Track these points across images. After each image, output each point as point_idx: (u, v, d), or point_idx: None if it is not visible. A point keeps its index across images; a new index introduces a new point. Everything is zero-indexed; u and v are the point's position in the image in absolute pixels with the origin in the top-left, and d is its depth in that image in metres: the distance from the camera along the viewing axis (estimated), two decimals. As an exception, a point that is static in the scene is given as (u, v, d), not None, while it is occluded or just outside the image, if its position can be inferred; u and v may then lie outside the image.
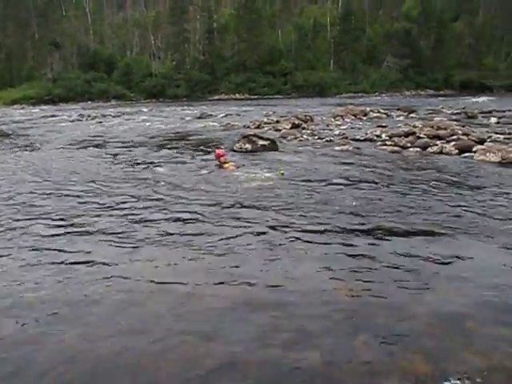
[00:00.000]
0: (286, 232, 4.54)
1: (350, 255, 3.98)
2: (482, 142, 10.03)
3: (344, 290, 3.36)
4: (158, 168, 8.24)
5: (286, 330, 2.87)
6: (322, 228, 4.63)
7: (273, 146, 9.82)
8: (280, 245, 4.22)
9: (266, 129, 13.66)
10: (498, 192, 6.07)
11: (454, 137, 10.51)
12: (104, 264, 3.89)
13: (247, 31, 46.54)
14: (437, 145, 9.79)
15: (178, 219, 5.03)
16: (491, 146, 9.14)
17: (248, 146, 9.81)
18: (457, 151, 9.36)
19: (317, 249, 4.12)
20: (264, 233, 4.53)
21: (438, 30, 47.68)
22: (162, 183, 6.88)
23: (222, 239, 4.37)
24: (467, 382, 2.37)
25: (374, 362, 2.56)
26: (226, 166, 7.87)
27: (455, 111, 18.17)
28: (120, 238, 4.51)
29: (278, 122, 14.95)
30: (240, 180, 6.97)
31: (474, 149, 9.28)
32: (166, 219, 5.06)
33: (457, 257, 3.93)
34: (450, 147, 9.57)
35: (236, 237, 4.43)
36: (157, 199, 5.93)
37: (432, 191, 6.14)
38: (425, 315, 3.01)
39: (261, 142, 9.83)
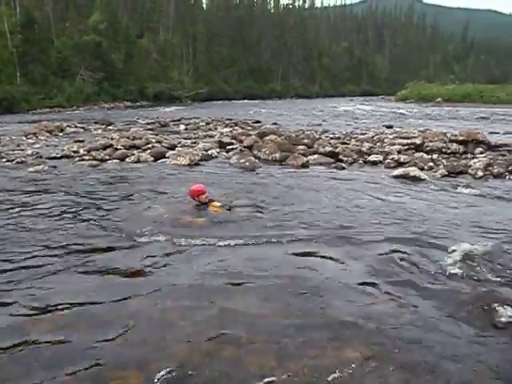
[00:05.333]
0: None
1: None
2: (173, 147, 11.05)
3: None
4: None
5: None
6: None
7: None
8: None
9: None
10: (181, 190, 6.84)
11: (149, 145, 11.23)
12: None
13: None
14: (134, 154, 10.20)
15: None
16: (181, 151, 10.18)
17: None
18: (152, 158, 10.00)
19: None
20: None
21: (127, 44, 49.70)
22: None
23: None
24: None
25: None
26: (213, 208, 5.57)
27: (150, 121, 19.37)
28: None
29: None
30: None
31: (167, 154, 10.12)
32: None
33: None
34: (146, 155, 10.14)
35: None
36: None
37: (130, 198, 6.40)
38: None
39: None
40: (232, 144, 11.58)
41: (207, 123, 18.42)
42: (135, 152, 10.42)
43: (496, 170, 8.66)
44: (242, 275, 3.89)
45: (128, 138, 11.83)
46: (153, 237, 4.75)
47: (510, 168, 8.72)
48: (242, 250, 4.44)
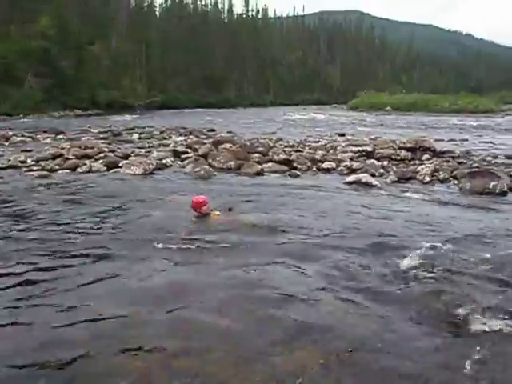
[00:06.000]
0: None
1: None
2: (126, 157, 10.86)
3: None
4: None
5: None
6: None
7: None
8: None
9: None
10: (139, 200, 6.73)
11: (102, 155, 10.98)
12: None
13: None
14: (86, 164, 9.93)
15: None
16: (134, 160, 10.02)
17: None
18: (105, 168, 9.77)
19: None
20: None
21: (78, 51, 48.33)
22: None
23: None
24: None
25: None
26: (215, 217, 5.59)
27: (102, 130, 18.90)
28: None
29: None
30: None
31: (120, 164, 9.92)
32: None
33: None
34: (98, 165, 9.91)
35: None
36: None
37: (82, 209, 6.22)
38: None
39: None
40: (187, 153, 11.51)
41: (161, 132, 18.22)
42: (87, 162, 10.14)
43: (442, 176, 9.09)
44: (204, 283, 3.87)
45: (79, 147, 11.49)
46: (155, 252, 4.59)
47: (454, 173, 9.18)
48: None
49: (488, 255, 4.55)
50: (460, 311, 3.37)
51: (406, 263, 4.27)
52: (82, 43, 49.30)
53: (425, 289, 3.79)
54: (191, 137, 15.96)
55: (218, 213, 5.63)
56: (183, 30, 65.19)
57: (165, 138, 16.03)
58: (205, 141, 13.48)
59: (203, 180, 8.77)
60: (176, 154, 11.50)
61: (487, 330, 3.15)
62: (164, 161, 10.50)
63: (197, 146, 12.01)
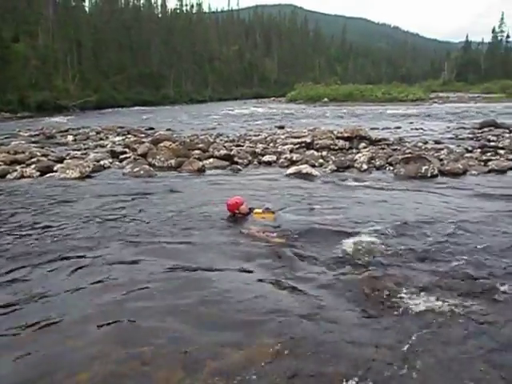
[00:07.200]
0: None
1: None
2: (61, 160, 10.38)
3: None
4: None
5: None
6: None
7: None
8: None
9: None
10: (75, 205, 6.48)
11: (34, 159, 10.42)
12: None
13: None
14: (16, 170, 9.38)
15: None
16: (70, 163, 9.59)
17: None
18: (39, 173, 9.28)
19: None
20: None
21: (1, 49, 45.46)
22: None
23: None
24: None
25: None
26: (258, 215, 5.33)
27: (33, 133, 17.88)
28: None
29: None
30: None
31: (55, 168, 9.48)
32: None
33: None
34: (30, 170, 9.39)
35: None
36: None
37: (11, 219, 5.89)
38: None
39: None
40: (125, 153, 11.20)
41: (97, 132, 17.55)
42: (17, 167, 9.57)
43: (378, 163, 9.48)
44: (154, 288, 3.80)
45: (8, 152, 10.84)
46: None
47: (389, 160, 9.60)
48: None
49: (423, 236, 4.80)
50: (398, 293, 3.54)
51: (344, 249, 4.41)
52: (5, 41, 46.33)
53: (363, 273, 3.93)
54: (129, 136, 15.54)
55: (259, 210, 5.44)
56: (116, 26, 63.10)
57: (101, 139, 15.48)
58: (143, 140, 13.18)
59: (143, 179, 8.58)
60: (114, 154, 11.15)
61: (423, 309, 3.32)
62: (102, 162, 10.16)
63: (135, 146, 11.73)
